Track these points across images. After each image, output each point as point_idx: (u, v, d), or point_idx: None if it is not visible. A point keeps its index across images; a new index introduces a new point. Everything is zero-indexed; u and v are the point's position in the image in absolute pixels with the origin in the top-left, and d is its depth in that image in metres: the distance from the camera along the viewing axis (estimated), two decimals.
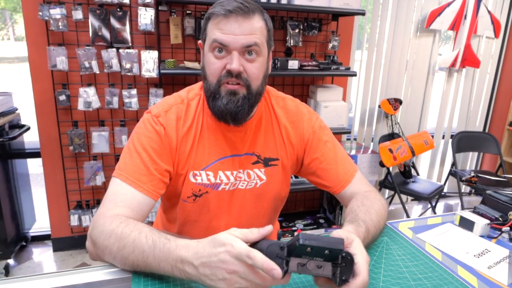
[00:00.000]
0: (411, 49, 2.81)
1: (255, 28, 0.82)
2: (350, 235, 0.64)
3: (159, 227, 1.13)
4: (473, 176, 1.57)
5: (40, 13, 1.88)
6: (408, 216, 2.65)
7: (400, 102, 2.73)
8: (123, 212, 0.78)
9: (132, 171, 0.83)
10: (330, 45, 2.38)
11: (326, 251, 0.54)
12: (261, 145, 0.95)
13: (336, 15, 2.36)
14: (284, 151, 0.98)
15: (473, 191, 3.48)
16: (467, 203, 3.22)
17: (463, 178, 1.64)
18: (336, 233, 0.66)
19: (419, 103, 2.98)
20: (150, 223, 1.02)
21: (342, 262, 0.57)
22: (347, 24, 2.49)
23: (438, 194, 2.69)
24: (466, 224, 0.97)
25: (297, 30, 2.29)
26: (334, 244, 0.54)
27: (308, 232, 2.49)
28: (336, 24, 2.41)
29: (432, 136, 3.04)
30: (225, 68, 0.82)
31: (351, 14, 2.24)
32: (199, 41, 0.90)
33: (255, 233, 0.59)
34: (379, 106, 2.73)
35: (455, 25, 2.78)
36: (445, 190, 3.17)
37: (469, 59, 2.87)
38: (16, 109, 2.20)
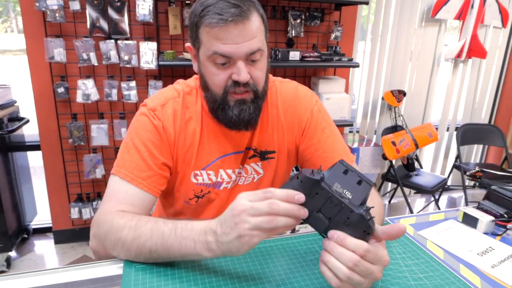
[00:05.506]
0: (416, 40, 2.75)
1: (255, 31, 0.75)
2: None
3: None
4: (478, 171, 1.53)
5: (37, 4, 1.85)
6: (410, 209, 2.63)
7: (404, 94, 2.68)
8: (126, 209, 0.76)
9: (131, 167, 0.80)
10: (333, 35, 2.33)
11: (358, 182, 0.58)
12: (257, 138, 0.91)
13: (339, 4, 2.30)
14: (282, 142, 0.93)
15: (477, 184, 3.43)
16: (471, 197, 3.18)
17: (468, 173, 1.61)
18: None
19: (423, 95, 2.93)
20: None
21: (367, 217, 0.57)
22: (350, 14, 2.43)
23: (442, 187, 2.65)
24: (470, 221, 0.94)
25: (298, 20, 2.24)
26: (367, 180, 0.58)
27: None
28: (339, 14, 2.36)
29: (437, 129, 2.99)
30: (230, 78, 0.77)
31: (354, 3, 2.18)
32: (187, 45, 0.84)
33: None
34: (383, 98, 2.69)
35: (461, 15, 2.71)
36: (449, 183, 3.13)
37: (475, 50, 2.81)
38: (15, 102, 2.19)
